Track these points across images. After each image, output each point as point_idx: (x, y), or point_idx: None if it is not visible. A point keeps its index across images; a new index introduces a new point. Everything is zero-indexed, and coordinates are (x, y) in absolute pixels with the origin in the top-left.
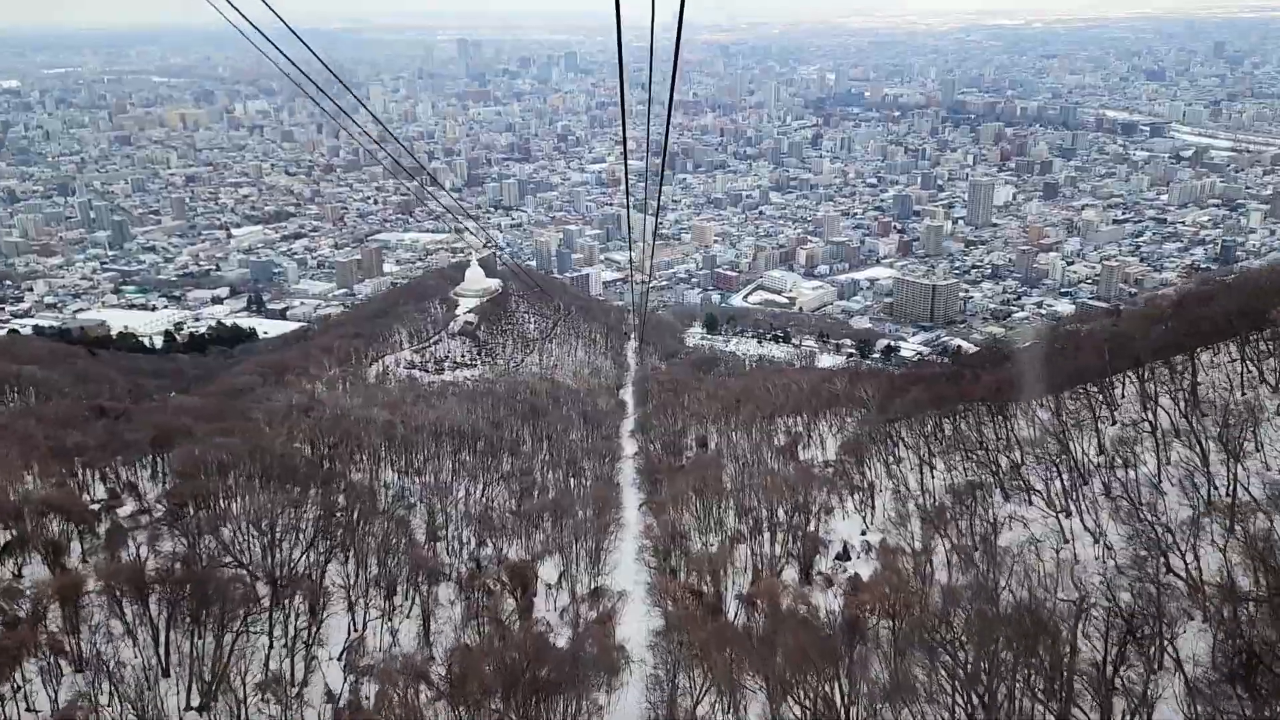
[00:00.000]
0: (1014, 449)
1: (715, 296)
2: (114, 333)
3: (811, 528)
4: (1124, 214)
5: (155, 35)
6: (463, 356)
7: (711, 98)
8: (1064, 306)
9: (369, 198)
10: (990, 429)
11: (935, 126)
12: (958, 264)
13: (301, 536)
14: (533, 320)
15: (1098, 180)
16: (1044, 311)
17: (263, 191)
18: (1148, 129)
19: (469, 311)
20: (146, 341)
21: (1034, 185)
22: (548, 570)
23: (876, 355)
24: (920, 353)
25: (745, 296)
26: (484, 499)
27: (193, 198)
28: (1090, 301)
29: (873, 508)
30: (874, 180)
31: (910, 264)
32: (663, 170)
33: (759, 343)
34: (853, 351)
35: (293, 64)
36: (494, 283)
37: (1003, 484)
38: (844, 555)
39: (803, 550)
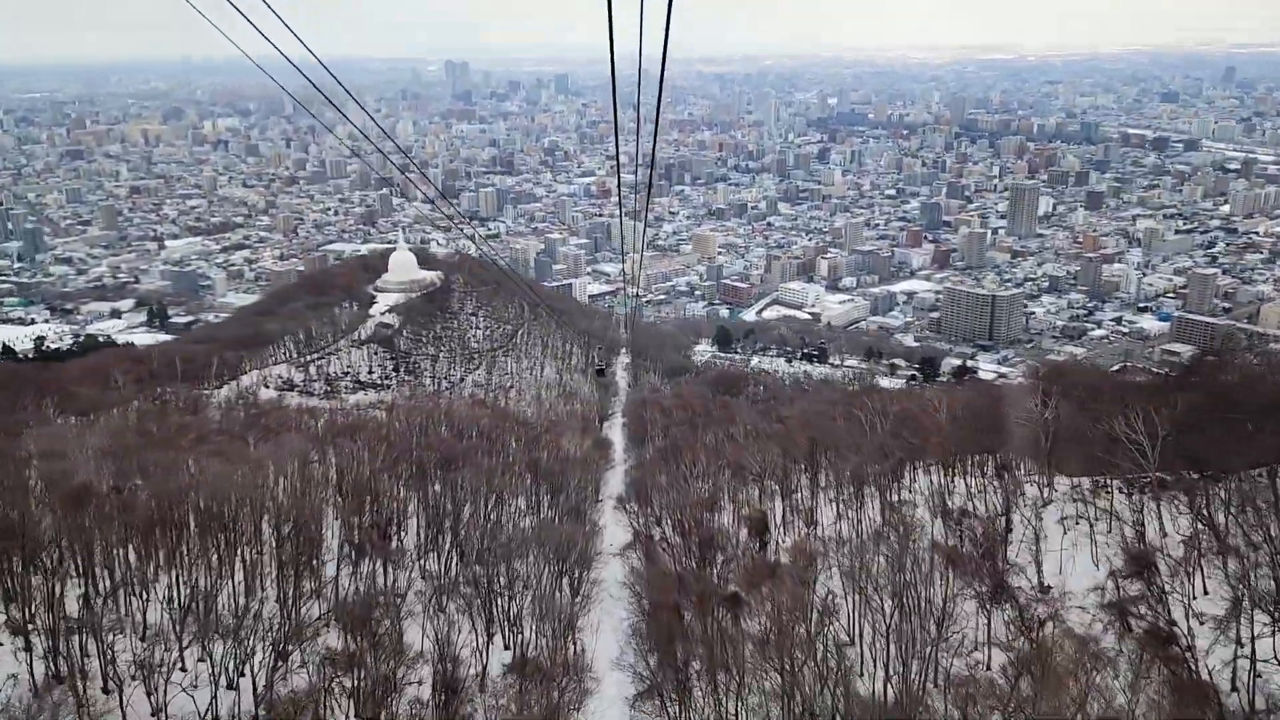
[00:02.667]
0: None
1: (724, 311)
2: None
3: None
4: (1186, 224)
5: (139, 66)
6: (371, 372)
7: (708, 117)
8: (1148, 322)
9: (329, 209)
10: None
11: (949, 142)
12: (1006, 276)
13: None
14: (483, 325)
15: (1143, 191)
16: (1126, 328)
17: (213, 203)
18: (1180, 144)
19: (388, 311)
20: None
21: (1073, 196)
22: None
23: (944, 377)
24: (1001, 374)
25: (759, 311)
26: (280, 677)
27: (132, 208)
28: (1188, 315)
29: None
30: (892, 192)
31: (951, 276)
32: (654, 158)
33: (788, 361)
34: (913, 373)
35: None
36: (429, 275)
37: None
38: None
39: None
